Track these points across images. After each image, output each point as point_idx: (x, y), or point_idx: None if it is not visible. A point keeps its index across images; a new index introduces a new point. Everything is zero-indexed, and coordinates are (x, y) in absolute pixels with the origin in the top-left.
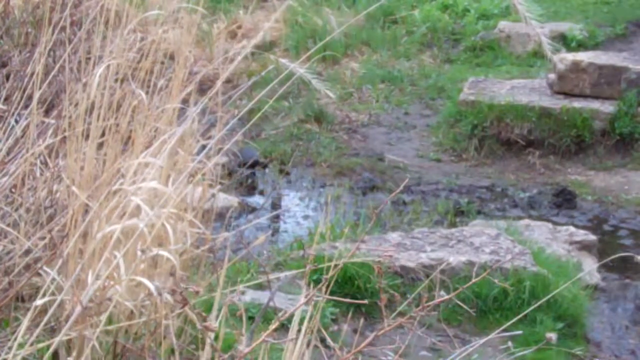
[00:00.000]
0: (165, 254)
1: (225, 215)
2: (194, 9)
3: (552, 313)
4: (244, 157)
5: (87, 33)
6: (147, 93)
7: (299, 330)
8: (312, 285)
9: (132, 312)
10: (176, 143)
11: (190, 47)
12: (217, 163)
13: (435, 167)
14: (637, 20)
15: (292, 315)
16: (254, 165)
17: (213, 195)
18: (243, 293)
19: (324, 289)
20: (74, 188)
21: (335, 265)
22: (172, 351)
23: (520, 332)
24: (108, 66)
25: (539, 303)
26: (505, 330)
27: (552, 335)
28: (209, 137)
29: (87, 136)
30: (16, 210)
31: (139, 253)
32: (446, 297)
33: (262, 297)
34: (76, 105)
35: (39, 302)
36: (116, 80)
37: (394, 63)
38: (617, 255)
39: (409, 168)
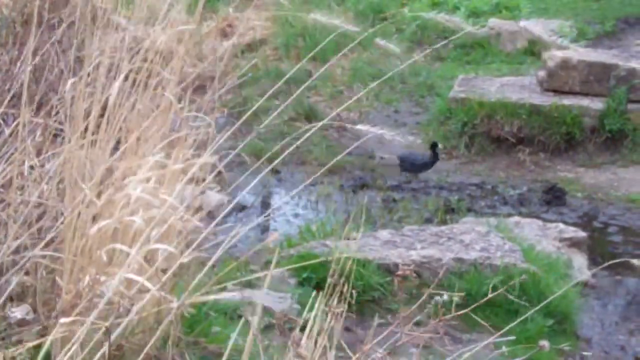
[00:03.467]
0: (166, 247)
1: (214, 213)
2: (185, 8)
3: (542, 310)
4: (411, 160)
5: (77, 32)
6: (137, 93)
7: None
8: (301, 284)
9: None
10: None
11: (182, 46)
12: (208, 162)
13: None
14: (626, 17)
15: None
16: (434, 147)
17: (203, 193)
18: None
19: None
20: (82, 185)
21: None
22: (164, 346)
23: (513, 337)
24: (98, 65)
25: (537, 307)
26: (497, 329)
27: (545, 344)
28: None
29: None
30: (4, 209)
31: (132, 250)
32: (462, 311)
33: (252, 295)
34: (72, 104)
35: (65, 320)
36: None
37: (384, 61)
38: (614, 261)
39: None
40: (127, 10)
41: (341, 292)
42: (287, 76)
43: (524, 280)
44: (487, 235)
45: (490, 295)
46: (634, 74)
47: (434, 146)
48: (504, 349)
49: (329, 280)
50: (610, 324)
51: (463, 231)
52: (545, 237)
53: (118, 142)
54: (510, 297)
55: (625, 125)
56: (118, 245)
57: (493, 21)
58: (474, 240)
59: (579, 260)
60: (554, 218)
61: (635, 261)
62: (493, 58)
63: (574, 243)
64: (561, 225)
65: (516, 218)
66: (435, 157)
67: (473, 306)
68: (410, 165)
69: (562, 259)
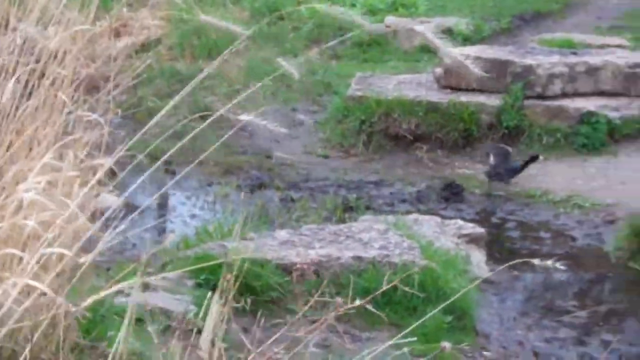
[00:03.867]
0: (60, 250)
1: (109, 215)
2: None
3: (441, 306)
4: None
5: None
6: (30, 94)
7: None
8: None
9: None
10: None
11: (75, 46)
12: (103, 163)
13: (323, 163)
14: (522, 14)
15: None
16: (533, 160)
17: (97, 195)
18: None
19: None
20: None
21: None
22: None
23: (414, 338)
24: None
25: (436, 303)
26: (396, 327)
27: (447, 345)
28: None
29: None
30: None
31: (25, 254)
32: (359, 302)
33: (148, 298)
34: None
35: None
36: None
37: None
38: (514, 262)
39: (297, 165)
40: (19, 10)
41: (239, 293)
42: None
43: (423, 277)
44: (386, 233)
45: (384, 288)
46: (529, 71)
47: (534, 158)
48: (405, 349)
49: (225, 281)
50: (509, 319)
51: (362, 229)
52: (444, 233)
53: (9, 145)
54: (409, 293)
55: (521, 121)
56: (11, 250)
57: (390, 19)
58: (373, 238)
59: (478, 256)
60: (452, 214)
61: (535, 261)
62: (390, 56)
63: (472, 239)
64: (459, 222)
65: (415, 215)
66: (526, 163)
67: (364, 301)
68: (500, 173)
69: (461, 255)
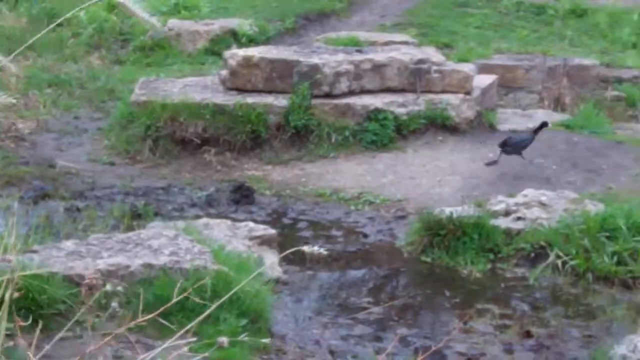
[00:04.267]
0: None
1: None
2: None
3: (235, 310)
4: (512, 141)
5: None
6: None
7: None
8: None
9: None
10: None
11: None
12: None
13: (109, 170)
14: (306, 14)
15: None
16: (543, 126)
17: None
18: None
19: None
20: None
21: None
22: None
23: (195, 339)
24: None
25: (228, 307)
26: (192, 334)
27: (224, 340)
28: None
29: None
30: None
31: None
32: (152, 314)
33: None
34: None
35: None
36: None
37: (60, 66)
38: (293, 249)
39: (82, 173)
40: None
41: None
42: None
43: (215, 282)
44: (176, 238)
45: (175, 300)
46: (316, 70)
47: (543, 125)
48: (185, 349)
49: (9, 297)
50: (304, 319)
51: (151, 236)
52: (235, 236)
53: None
54: (202, 300)
55: (309, 120)
56: None
57: (172, 22)
58: (163, 244)
59: (270, 257)
60: (243, 217)
61: (305, 248)
62: (174, 59)
63: (264, 241)
64: (251, 224)
65: (205, 219)
66: (533, 136)
67: (154, 313)
68: (511, 146)
69: (253, 257)
